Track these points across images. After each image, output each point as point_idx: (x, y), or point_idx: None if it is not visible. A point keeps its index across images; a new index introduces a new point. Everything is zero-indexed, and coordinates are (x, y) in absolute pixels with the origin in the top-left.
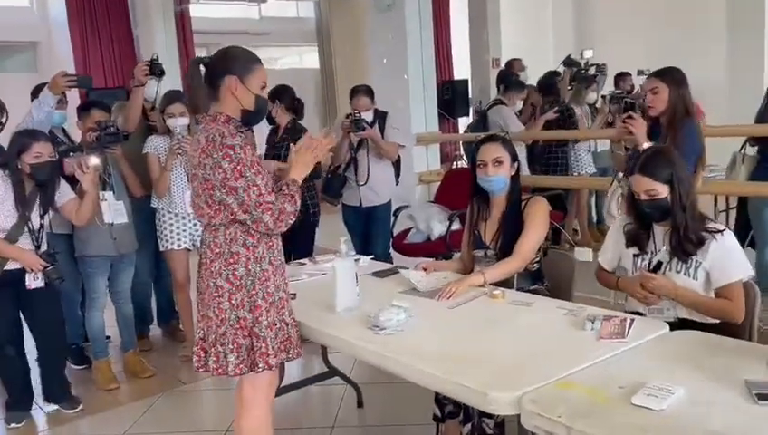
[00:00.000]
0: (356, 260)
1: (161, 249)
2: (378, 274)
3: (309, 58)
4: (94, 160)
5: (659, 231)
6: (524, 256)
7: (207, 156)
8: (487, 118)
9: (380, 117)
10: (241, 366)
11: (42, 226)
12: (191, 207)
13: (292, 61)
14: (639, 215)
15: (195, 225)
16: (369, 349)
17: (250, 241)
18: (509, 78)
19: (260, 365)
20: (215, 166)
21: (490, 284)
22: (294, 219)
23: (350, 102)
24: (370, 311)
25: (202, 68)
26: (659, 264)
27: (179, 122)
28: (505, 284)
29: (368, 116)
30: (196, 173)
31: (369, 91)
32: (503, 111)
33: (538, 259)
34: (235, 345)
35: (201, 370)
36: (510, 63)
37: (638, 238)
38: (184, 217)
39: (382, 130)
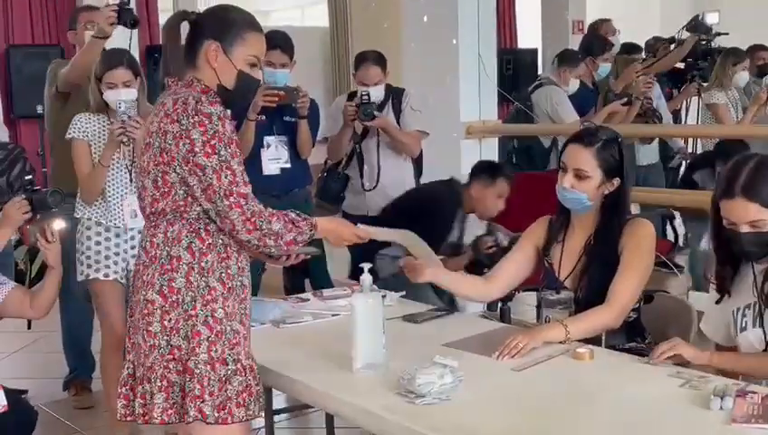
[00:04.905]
0: (382, 297)
1: (79, 278)
2: (411, 318)
3: (315, 13)
4: (60, 223)
5: (757, 270)
6: (622, 306)
7: (174, 121)
8: (532, 105)
9: (395, 95)
10: (170, 412)
11: None
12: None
13: (290, 16)
14: (728, 253)
15: (133, 247)
16: (400, 424)
17: (198, 245)
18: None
19: (191, 413)
20: (181, 134)
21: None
22: (275, 244)
23: (353, 74)
24: (403, 370)
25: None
26: None
27: (123, 96)
28: (591, 338)
29: (378, 93)
30: (151, 142)
31: (380, 59)
32: (553, 94)
33: (636, 305)
34: (165, 382)
35: (128, 419)
36: (597, 26)
37: (725, 283)
38: (119, 235)
39: (397, 113)
